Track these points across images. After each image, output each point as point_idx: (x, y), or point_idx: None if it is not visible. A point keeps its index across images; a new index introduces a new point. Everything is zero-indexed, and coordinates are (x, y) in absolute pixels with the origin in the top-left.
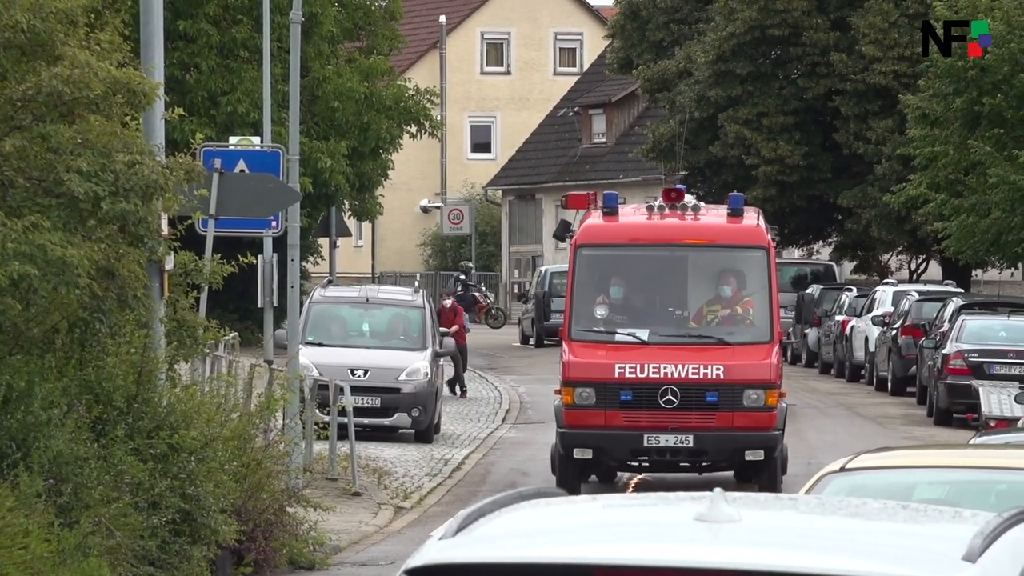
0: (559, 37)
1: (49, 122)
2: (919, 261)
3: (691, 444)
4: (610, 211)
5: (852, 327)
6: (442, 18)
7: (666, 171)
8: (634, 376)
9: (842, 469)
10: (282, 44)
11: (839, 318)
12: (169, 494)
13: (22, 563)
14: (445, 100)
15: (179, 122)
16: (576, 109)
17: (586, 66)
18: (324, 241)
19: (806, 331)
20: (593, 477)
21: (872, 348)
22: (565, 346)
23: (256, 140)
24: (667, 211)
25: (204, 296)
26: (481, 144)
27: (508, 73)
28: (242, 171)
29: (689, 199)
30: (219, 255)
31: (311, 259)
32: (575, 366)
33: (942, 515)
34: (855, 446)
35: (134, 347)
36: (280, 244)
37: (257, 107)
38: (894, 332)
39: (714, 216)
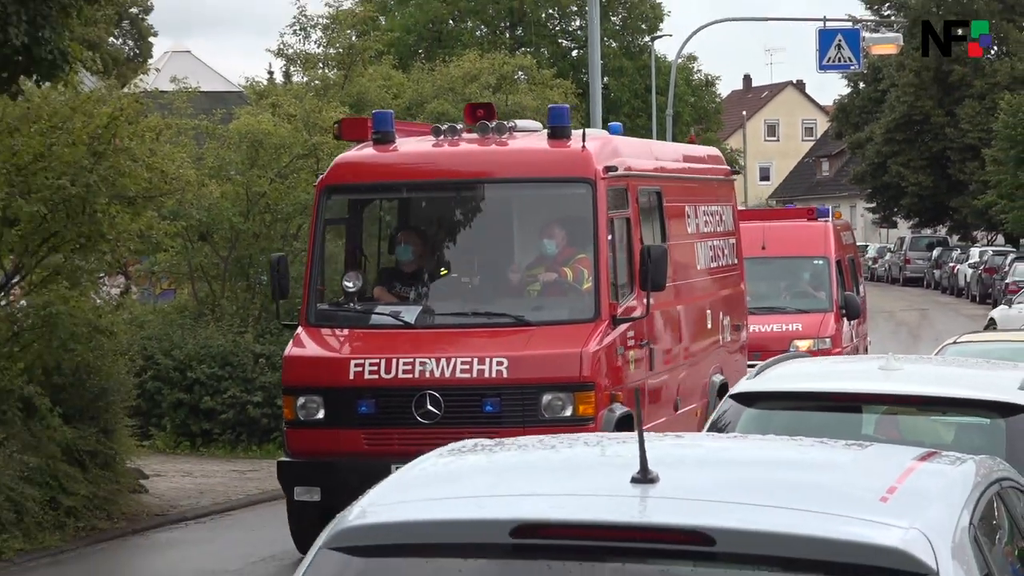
0: None
1: None
2: None
3: None
4: (381, 137)
5: None
6: None
7: None
8: (376, 377)
9: (954, 342)
10: None
11: None
12: None
13: None
14: None
15: None
16: None
17: None
18: None
19: None
20: None
21: None
22: (297, 335)
23: None
24: (463, 135)
25: None
26: None
27: None
28: None
29: (511, 123)
30: None
31: None
32: (296, 364)
33: (1006, 366)
34: None
35: None
36: None
37: None
38: None
39: (530, 140)
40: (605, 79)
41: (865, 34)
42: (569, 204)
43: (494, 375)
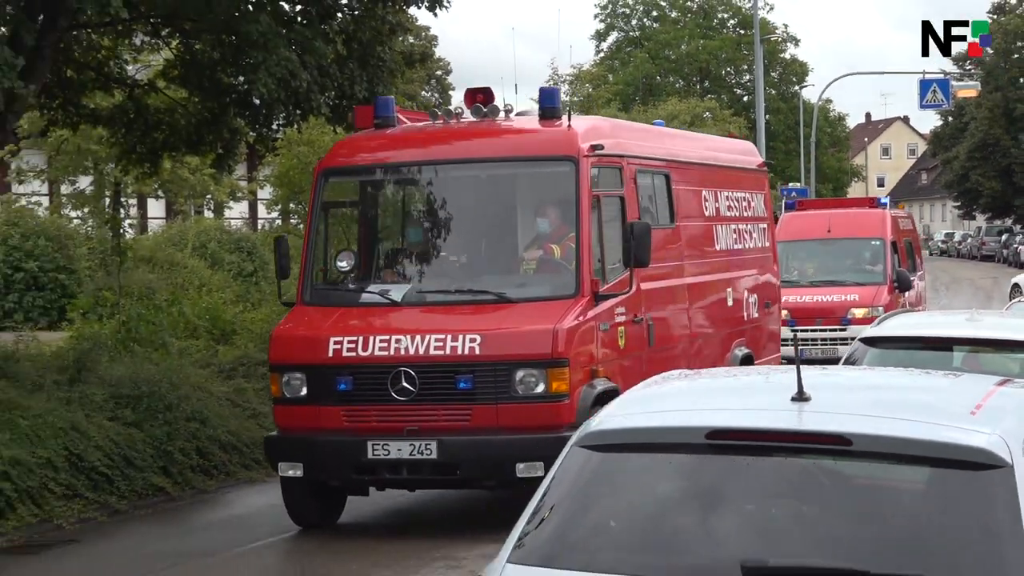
0: None
1: None
2: None
3: (434, 455)
4: (383, 122)
5: None
6: None
7: None
8: (354, 355)
9: (1018, 301)
10: None
11: None
12: None
13: None
14: None
15: None
16: None
17: None
18: None
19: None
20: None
21: None
22: (288, 314)
23: None
24: (460, 118)
25: None
26: None
27: None
28: None
29: (509, 105)
30: None
31: None
32: (281, 341)
33: None
34: None
35: None
36: None
37: None
38: None
39: (520, 121)
40: (767, 117)
41: (953, 82)
42: (554, 182)
43: (467, 352)
